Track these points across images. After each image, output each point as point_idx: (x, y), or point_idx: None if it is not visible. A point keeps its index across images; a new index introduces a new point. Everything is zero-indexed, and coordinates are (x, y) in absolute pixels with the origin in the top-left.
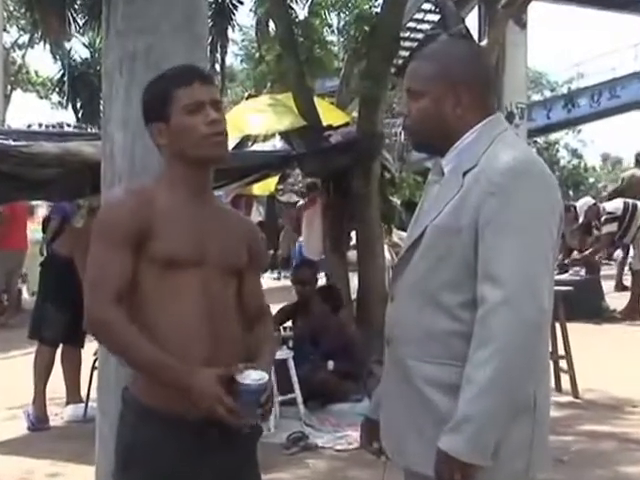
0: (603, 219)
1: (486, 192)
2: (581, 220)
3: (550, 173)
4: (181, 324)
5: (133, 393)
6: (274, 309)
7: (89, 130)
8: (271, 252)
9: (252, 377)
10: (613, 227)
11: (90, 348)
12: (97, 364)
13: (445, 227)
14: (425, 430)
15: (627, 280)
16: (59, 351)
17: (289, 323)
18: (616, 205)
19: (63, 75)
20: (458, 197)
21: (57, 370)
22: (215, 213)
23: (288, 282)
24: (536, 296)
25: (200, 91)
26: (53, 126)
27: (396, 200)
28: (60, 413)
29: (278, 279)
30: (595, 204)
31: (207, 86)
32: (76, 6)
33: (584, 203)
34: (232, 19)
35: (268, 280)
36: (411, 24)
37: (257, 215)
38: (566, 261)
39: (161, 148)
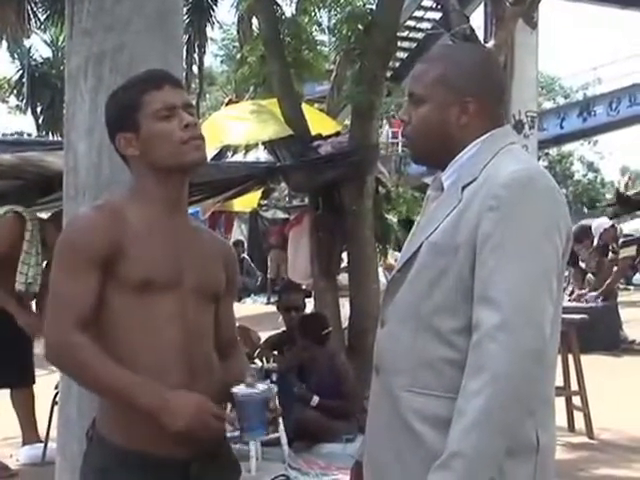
0: (620, 242)
1: (485, 206)
2: (596, 242)
3: (557, 188)
4: (156, 352)
5: (102, 432)
6: (263, 337)
7: (51, 138)
8: (258, 275)
9: (253, 388)
10: (631, 251)
11: (49, 381)
12: (58, 399)
13: (441, 245)
14: (411, 467)
15: None
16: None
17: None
18: (634, 227)
19: (22, 76)
20: (456, 212)
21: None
22: (190, 232)
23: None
24: (536, 321)
25: (171, 94)
26: (11, 134)
27: (392, 218)
28: (15, 455)
29: (268, 304)
30: (612, 225)
31: (178, 89)
32: None
33: (599, 225)
34: (211, 15)
35: (259, 305)
36: (410, 22)
37: (239, 234)
38: (585, 290)
39: (130, 160)
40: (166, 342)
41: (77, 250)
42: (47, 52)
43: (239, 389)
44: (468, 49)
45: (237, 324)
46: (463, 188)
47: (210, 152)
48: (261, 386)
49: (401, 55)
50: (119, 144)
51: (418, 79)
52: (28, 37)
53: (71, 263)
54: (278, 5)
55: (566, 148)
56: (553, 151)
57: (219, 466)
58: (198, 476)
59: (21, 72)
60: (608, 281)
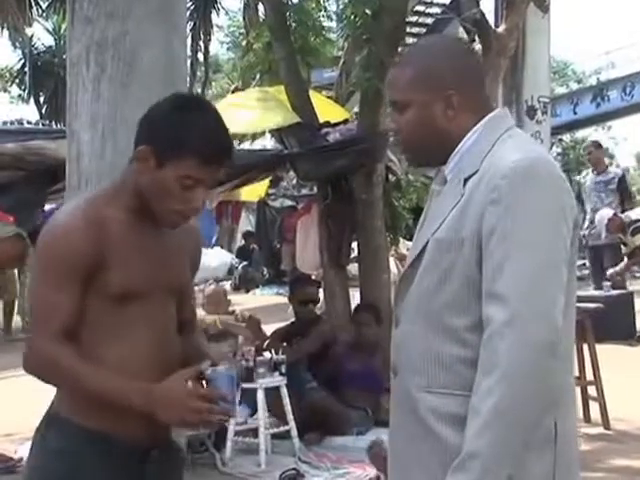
0: (631, 230)
1: (487, 199)
2: (604, 236)
3: (561, 175)
4: (132, 357)
5: (62, 413)
6: (272, 328)
7: (54, 127)
8: (263, 267)
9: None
10: None
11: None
12: None
13: (446, 240)
14: (432, 468)
15: None
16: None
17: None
18: None
19: (24, 65)
20: (459, 207)
21: (20, 406)
22: (160, 232)
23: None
24: (546, 313)
25: (209, 173)
26: (12, 122)
27: (403, 206)
28: (18, 451)
29: (278, 295)
30: (615, 214)
31: (220, 170)
32: None
33: (602, 217)
34: (217, 2)
35: (267, 297)
36: (419, 7)
37: (247, 224)
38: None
39: (135, 168)
40: (141, 346)
41: (61, 260)
42: (49, 40)
43: (208, 368)
44: (435, 42)
45: (248, 315)
46: (465, 181)
47: None
48: (225, 366)
49: (410, 41)
50: (138, 152)
51: (395, 86)
52: (30, 25)
53: (55, 273)
54: None
55: (580, 134)
56: (566, 137)
57: (172, 454)
58: (157, 463)
59: (23, 61)
60: (623, 263)
